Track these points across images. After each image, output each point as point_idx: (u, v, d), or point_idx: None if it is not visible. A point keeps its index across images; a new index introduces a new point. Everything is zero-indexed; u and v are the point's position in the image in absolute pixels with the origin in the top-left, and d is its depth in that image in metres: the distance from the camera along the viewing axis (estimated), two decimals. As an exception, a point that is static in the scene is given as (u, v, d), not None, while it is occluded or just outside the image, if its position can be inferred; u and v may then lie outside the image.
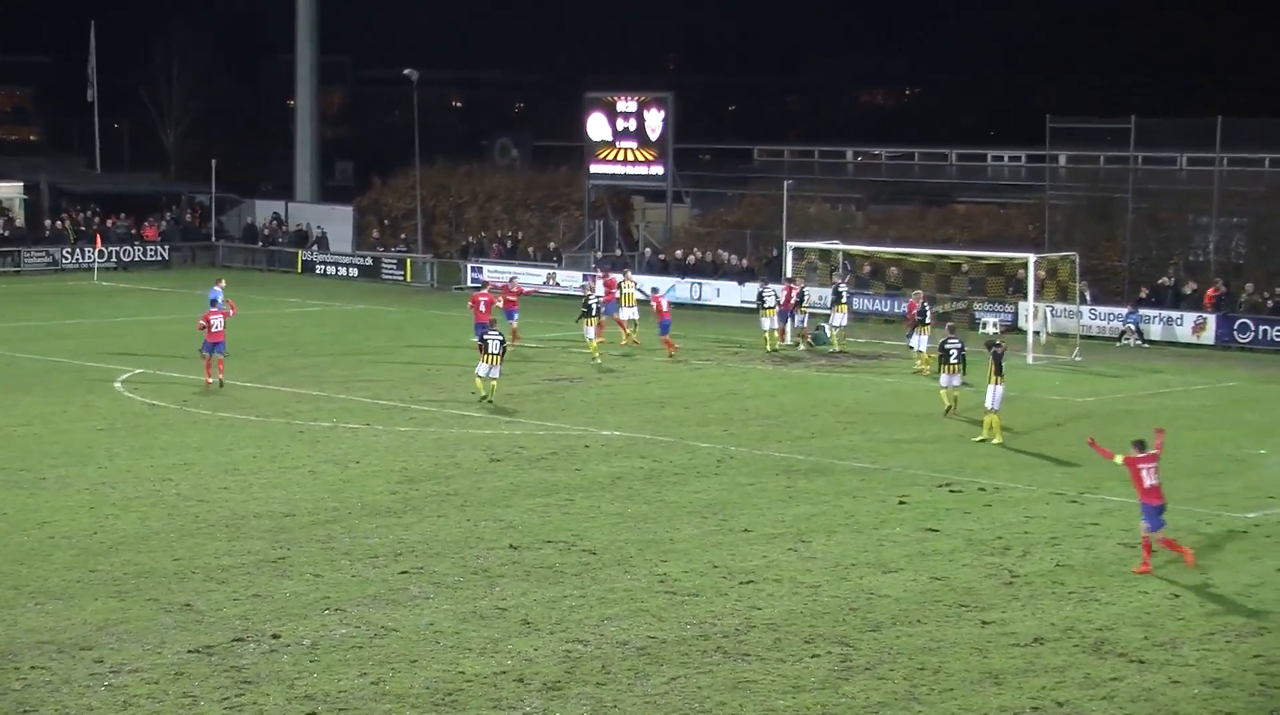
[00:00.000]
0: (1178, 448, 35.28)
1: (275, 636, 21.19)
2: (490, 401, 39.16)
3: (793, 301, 51.67)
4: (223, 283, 48.29)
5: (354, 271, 76.26)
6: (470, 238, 76.50)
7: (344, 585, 23.61)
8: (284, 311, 61.37)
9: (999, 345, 36.57)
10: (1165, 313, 55.16)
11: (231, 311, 43.75)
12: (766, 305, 50.97)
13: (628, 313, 50.78)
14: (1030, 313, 51.41)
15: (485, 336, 40.35)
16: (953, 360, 38.13)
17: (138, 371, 44.28)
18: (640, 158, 71.23)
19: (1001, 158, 78.29)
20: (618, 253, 71.03)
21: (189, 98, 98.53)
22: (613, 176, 72.87)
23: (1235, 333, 53.69)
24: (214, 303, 45.40)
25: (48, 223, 79.66)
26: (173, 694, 19.12)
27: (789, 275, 54.66)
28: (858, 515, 28.50)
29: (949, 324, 42.59)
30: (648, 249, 70.79)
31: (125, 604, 22.54)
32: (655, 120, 70.64)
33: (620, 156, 71.72)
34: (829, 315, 51.93)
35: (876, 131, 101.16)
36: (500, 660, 20.44)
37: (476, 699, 19.12)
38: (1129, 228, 59.57)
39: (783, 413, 39.34)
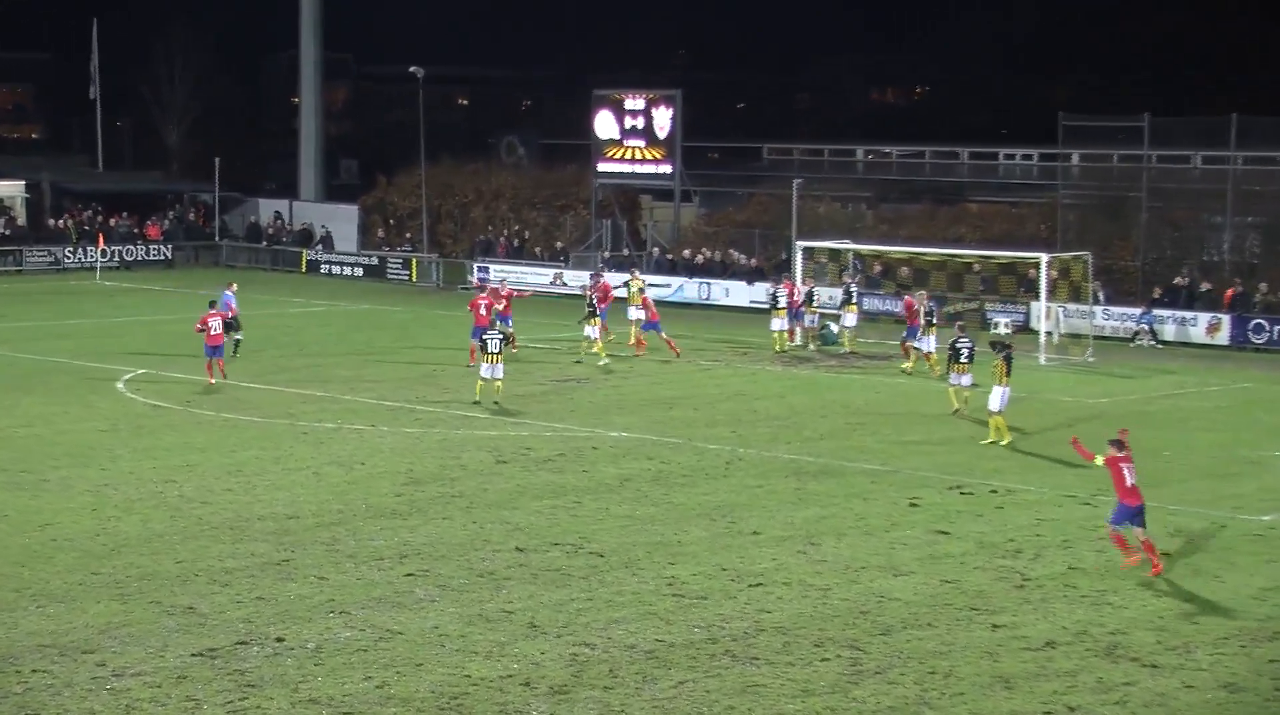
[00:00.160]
0: (1191, 449, 35.26)
1: (279, 640, 21.01)
2: (496, 402, 38.95)
3: (799, 301, 51.44)
4: (234, 287, 47.77)
5: (359, 271, 76.09)
6: (480, 236, 76.24)
7: (349, 588, 23.43)
8: (288, 311, 61.21)
9: (1007, 345, 36.36)
10: (1179, 313, 54.89)
11: (230, 313, 43.64)
12: (779, 305, 50.80)
13: (635, 312, 50.55)
14: (1043, 313, 51.17)
15: (484, 337, 40.11)
16: (963, 360, 37.97)
17: (140, 372, 44.12)
18: (648, 156, 70.93)
19: (1013, 156, 78.00)
20: (625, 252, 70.83)
21: (190, 96, 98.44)
22: (620, 175, 72.59)
23: (1250, 333, 53.44)
24: (225, 305, 45.21)
25: (51, 222, 79.44)
26: (175, 697, 18.95)
27: (785, 273, 54.42)
28: (868, 518, 28.30)
29: (959, 323, 42.39)
30: (655, 248, 70.56)
31: (128, 607, 22.36)
32: (663, 118, 70.37)
33: (628, 155, 71.45)
34: (838, 315, 51.76)
35: (887, 130, 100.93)
36: (506, 664, 20.26)
37: (482, 703, 18.94)
38: (1142, 227, 59.30)
39: (792, 414, 39.13)
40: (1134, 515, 24.86)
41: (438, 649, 20.77)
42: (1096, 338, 52.01)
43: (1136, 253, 59.37)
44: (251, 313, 48.42)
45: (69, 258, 75.57)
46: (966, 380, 38.15)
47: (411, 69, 74.05)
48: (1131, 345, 53.92)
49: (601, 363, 46.42)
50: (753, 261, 65.40)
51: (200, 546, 25.61)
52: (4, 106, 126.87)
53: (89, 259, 74.57)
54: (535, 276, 68.25)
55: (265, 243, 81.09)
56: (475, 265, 71.23)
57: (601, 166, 72.54)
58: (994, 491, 30.51)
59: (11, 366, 45.23)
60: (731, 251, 66.69)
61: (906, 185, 73.96)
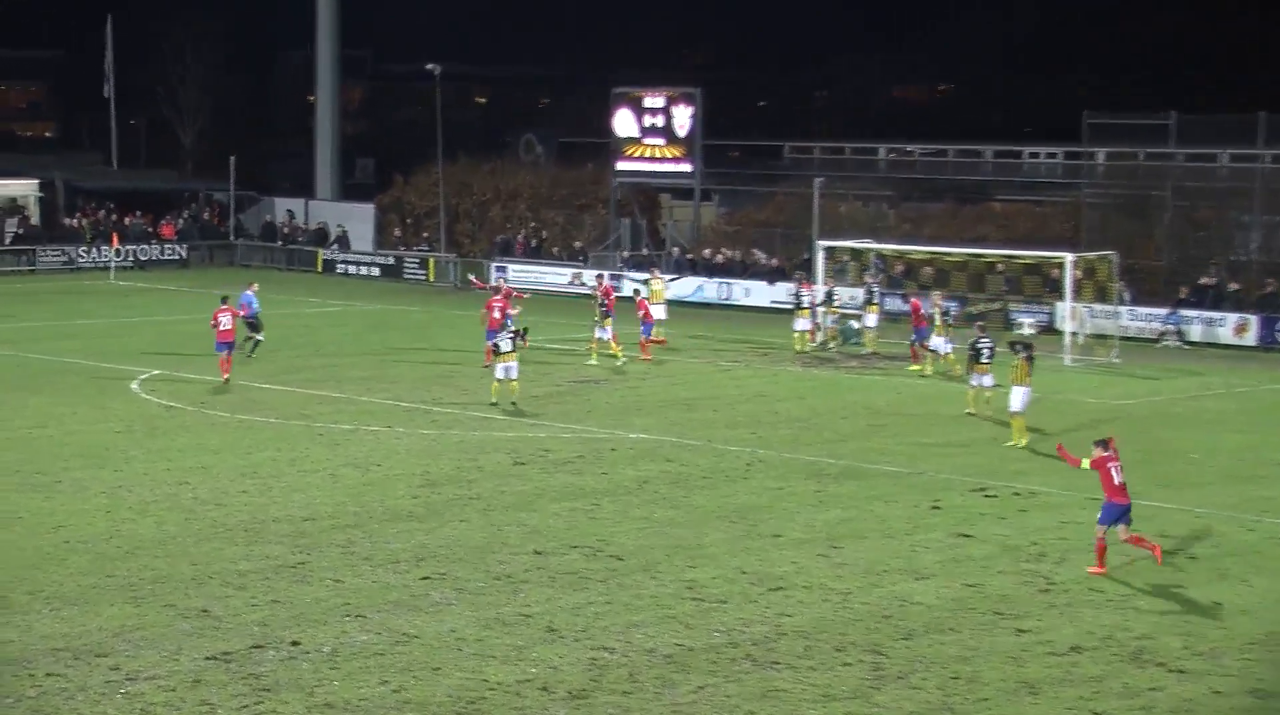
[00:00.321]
0: (1218, 451, 34.99)
1: (295, 643, 20.80)
2: (514, 403, 38.72)
3: (815, 300, 51.24)
4: (255, 287, 47.50)
5: (375, 271, 75.93)
6: (498, 236, 76.01)
7: (365, 591, 23.22)
8: (304, 311, 61.06)
9: (1028, 345, 36.09)
10: (1206, 313, 54.51)
11: (243, 312, 43.52)
12: (803, 305, 50.58)
13: (659, 312, 50.33)
14: (1068, 313, 50.87)
15: (496, 340, 39.86)
16: (984, 360, 37.74)
17: (154, 372, 43.96)
18: (668, 154, 70.70)
19: (1038, 154, 77.37)
20: (644, 252, 70.58)
21: (204, 93, 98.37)
22: (640, 174, 72.37)
23: (1278, 334, 53.02)
24: (247, 305, 45.13)
25: (65, 221, 79.29)
26: (190, 702, 18.77)
27: (800, 273, 54.16)
28: (890, 520, 28.05)
29: (979, 323, 42.13)
30: (675, 248, 70.29)
31: (142, 610, 22.18)
32: (683, 116, 70.13)
33: (647, 153, 71.19)
34: (860, 315, 51.51)
35: (909, 127, 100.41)
36: (524, 668, 20.06)
37: (500, 708, 18.75)
38: (1168, 226, 58.88)
39: (813, 415, 38.90)
40: (1123, 514, 24.80)
41: (455, 653, 20.56)
42: (1122, 338, 51.66)
43: (1161, 252, 58.96)
44: (267, 313, 48.16)
45: (83, 257, 75.39)
46: (988, 381, 37.91)
47: (428, 66, 73.83)
48: (1157, 346, 53.57)
49: (619, 362, 46.18)
50: (774, 261, 65.13)
51: (215, 549, 25.42)
52: (17, 104, 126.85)
53: (103, 258, 74.40)
54: (554, 276, 68.05)
55: (281, 242, 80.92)
56: (493, 265, 70.97)
57: (620, 165, 72.28)
58: (1017, 494, 30.27)
59: (25, 367, 45.09)
60: (755, 251, 66.41)
61: (929, 184, 73.41)
